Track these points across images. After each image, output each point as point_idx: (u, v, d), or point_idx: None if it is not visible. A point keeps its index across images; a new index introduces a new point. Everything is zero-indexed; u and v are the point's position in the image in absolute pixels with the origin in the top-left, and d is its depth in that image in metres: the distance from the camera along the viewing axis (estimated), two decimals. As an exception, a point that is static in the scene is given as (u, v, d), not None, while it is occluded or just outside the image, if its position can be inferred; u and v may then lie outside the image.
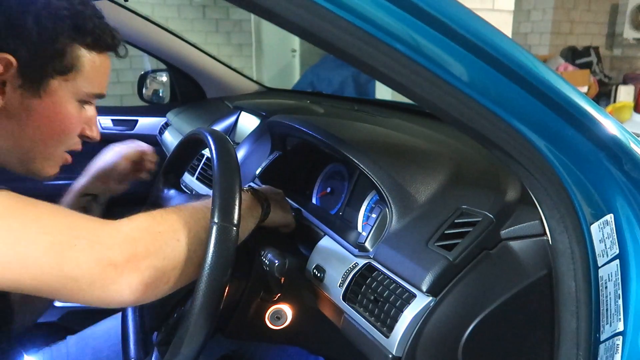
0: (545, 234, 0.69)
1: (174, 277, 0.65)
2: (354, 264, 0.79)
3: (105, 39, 0.81)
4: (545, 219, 0.67)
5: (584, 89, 5.57)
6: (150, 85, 2.12)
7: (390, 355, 0.67)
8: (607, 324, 0.65)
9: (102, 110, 2.12)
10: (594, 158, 0.63)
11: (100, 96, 0.84)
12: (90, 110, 0.84)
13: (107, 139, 2.05)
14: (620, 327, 0.63)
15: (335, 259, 0.84)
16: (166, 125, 1.98)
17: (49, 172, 0.83)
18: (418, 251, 0.71)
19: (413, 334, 0.66)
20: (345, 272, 0.79)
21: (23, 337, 0.94)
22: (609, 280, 0.64)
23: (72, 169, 2.28)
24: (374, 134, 1.04)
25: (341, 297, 0.78)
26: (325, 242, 0.89)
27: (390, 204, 0.80)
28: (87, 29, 0.77)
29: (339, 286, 0.79)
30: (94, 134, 0.86)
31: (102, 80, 0.83)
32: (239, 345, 1.13)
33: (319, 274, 0.84)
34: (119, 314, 0.98)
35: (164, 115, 2.02)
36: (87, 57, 0.79)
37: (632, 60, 6.79)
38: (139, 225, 0.65)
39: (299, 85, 4.88)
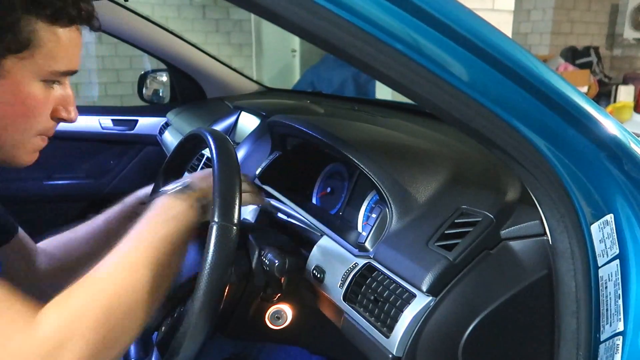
0: (545, 234, 0.69)
1: (121, 334, 0.60)
2: (354, 264, 0.79)
3: (69, 11, 0.69)
4: (545, 219, 0.67)
5: (584, 89, 5.57)
6: (150, 85, 2.13)
7: (391, 355, 0.67)
8: (607, 324, 0.65)
9: (102, 110, 2.14)
10: (594, 158, 0.63)
11: (71, 72, 0.74)
12: (61, 89, 0.74)
13: (108, 139, 2.07)
14: (621, 327, 0.63)
15: (335, 259, 0.84)
16: (166, 125, 1.98)
17: (23, 161, 0.76)
18: (418, 251, 0.71)
19: (413, 334, 0.66)
20: (345, 272, 0.79)
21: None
22: (609, 280, 0.64)
23: (72, 169, 2.28)
24: (374, 134, 1.04)
25: (341, 298, 0.78)
26: (325, 242, 0.89)
27: (390, 204, 0.79)
28: (44, 0, 0.67)
29: (339, 286, 0.79)
30: (71, 115, 0.76)
31: (71, 55, 0.72)
32: (242, 347, 1.13)
33: (318, 275, 0.84)
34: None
35: (164, 115, 2.02)
36: (47, 32, 0.68)
37: (632, 60, 6.79)
38: (57, 308, 0.58)
39: (299, 85, 4.88)
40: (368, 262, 0.78)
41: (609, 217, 0.64)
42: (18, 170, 1.95)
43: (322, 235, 0.91)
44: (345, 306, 0.77)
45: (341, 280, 0.79)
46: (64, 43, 0.70)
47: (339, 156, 0.93)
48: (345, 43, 0.52)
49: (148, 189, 1.02)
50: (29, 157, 0.76)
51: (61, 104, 0.75)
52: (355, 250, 0.82)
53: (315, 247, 0.89)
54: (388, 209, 0.80)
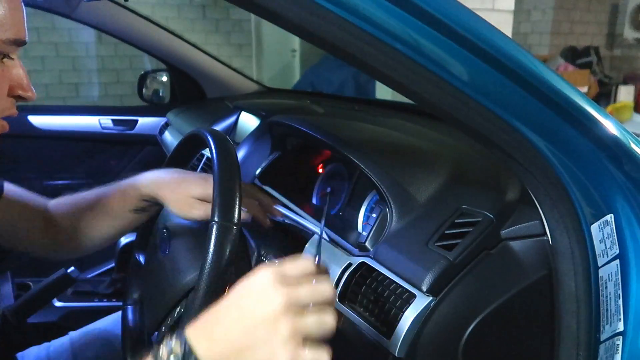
0: (545, 234, 0.69)
1: None
2: (354, 263, 0.79)
3: None
4: (545, 219, 0.67)
5: (584, 89, 5.56)
6: (150, 85, 2.13)
7: (391, 356, 0.67)
8: (607, 324, 0.65)
9: (102, 110, 2.14)
10: (594, 158, 0.63)
11: (19, 42, 0.67)
12: (13, 65, 0.69)
13: (108, 139, 2.07)
14: (621, 327, 0.63)
15: (335, 259, 0.84)
16: (166, 125, 1.98)
17: None
18: (418, 251, 0.71)
19: (414, 335, 0.66)
20: (346, 272, 0.79)
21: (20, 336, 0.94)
22: (609, 280, 0.64)
23: (73, 169, 2.28)
24: (374, 134, 1.04)
25: (341, 297, 0.78)
26: (326, 243, 0.89)
27: (390, 203, 0.79)
28: None
29: (339, 287, 0.79)
30: (28, 93, 0.70)
31: (17, 21, 0.66)
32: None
33: (319, 274, 0.84)
34: (119, 312, 0.98)
35: (164, 115, 2.02)
36: None
37: (632, 60, 6.79)
38: None
39: (299, 85, 4.87)
40: (368, 262, 0.78)
41: (609, 217, 0.64)
42: (18, 170, 1.96)
43: (322, 235, 0.91)
44: (344, 307, 0.77)
45: (340, 280, 0.79)
46: (7, 7, 0.64)
47: (339, 156, 0.93)
48: (345, 43, 0.52)
49: (145, 176, 0.92)
50: None
51: (16, 81, 0.69)
52: (356, 250, 0.82)
53: (315, 247, 0.89)
54: (388, 209, 0.80)
